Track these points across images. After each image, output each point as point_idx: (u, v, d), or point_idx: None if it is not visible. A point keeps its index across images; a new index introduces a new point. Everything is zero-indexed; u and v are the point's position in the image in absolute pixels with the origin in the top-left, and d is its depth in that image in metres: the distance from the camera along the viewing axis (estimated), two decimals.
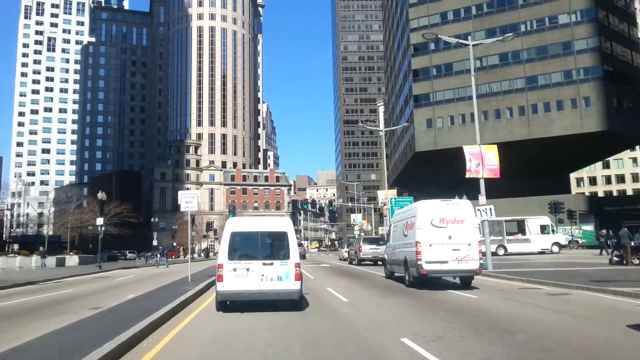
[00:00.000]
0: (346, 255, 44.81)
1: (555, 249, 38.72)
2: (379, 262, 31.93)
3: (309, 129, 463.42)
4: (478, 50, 69.66)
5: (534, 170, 66.83)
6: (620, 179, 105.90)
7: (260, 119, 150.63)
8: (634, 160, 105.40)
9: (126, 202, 71.89)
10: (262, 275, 11.32)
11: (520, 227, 39.83)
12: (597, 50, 61.39)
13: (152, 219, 67.08)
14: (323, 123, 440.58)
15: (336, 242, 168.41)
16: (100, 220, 34.72)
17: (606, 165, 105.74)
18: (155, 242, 63.75)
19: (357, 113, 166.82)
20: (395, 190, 38.14)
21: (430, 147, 68.55)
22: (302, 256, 45.05)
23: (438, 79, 69.19)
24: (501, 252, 38.27)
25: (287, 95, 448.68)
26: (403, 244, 17.81)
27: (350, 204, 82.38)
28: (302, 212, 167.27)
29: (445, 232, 15.70)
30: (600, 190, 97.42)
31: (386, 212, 41.76)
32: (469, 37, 29.55)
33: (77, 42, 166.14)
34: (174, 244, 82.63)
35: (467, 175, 22.76)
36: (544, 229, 39.10)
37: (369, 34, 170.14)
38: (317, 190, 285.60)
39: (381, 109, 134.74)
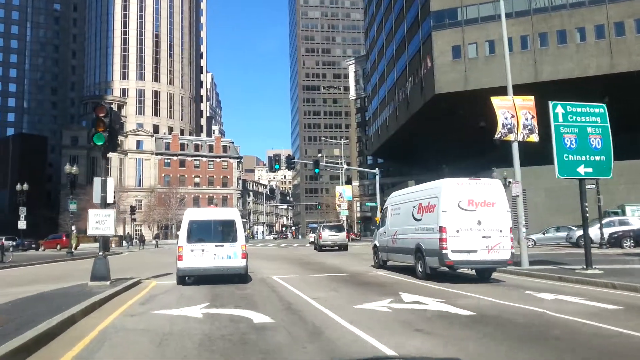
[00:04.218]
0: (311, 239, 48.28)
1: None
2: (336, 247, 35.20)
3: (258, 104, 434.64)
4: None
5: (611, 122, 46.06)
6: None
7: (203, 78, 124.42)
8: None
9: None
10: (215, 254, 13.59)
11: None
12: None
13: (19, 186, 41.42)
14: (275, 98, 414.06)
15: (293, 228, 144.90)
16: None
17: None
18: (22, 225, 38.65)
19: (318, 78, 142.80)
20: (532, 98, 15.03)
21: (457, 86, 46.47)
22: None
23: None
24: None
25: (234, 65, 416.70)
26: (414, 229, 15.47)
27: (346, 168, 58.81)
28: (251, 193, 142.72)
29: (475, 216, 13.56)
30: None
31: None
32: None
33: None
34: (73, 229, 57.54)
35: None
36: None
37: None
38: (267, 171, 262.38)
39: (352, 69, 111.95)
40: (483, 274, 14.71)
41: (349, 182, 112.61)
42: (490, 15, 46.35)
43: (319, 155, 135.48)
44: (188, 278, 13.96)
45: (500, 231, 13.56)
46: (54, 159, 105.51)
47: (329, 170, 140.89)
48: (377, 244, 19.42)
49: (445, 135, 56.26)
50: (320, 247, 35.71)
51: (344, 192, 52.00)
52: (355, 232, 78.57)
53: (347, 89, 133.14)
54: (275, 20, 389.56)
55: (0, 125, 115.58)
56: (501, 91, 44.84)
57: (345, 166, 45.18)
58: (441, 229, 13.45)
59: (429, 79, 48.82)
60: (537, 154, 48.02)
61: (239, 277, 13.97)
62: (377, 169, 40.42)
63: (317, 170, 36.30)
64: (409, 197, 16.82)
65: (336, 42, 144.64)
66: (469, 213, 13.51)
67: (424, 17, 50.25)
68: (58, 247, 50.79)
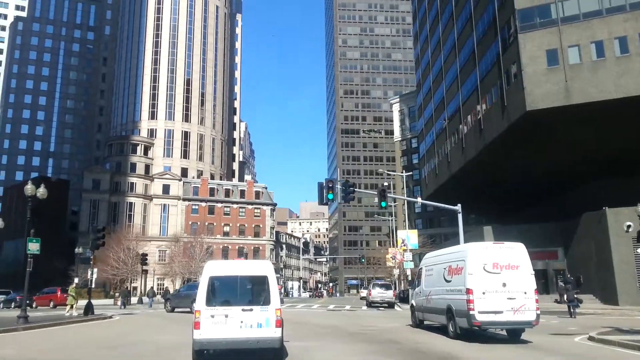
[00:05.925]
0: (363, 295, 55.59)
1: None
2: (385, 305, 38.54)
3: (292, 155, 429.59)
4: None
5: None
6: None
7: (236, 120, 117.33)
8: None
9: None
10: (242, 321, 10.58)
11: None
12: None
13: None
14: (309, 149, 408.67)
15: (330, 285, 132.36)
16: None
17: None
18: None
19: (357, 121, 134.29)
20: None
21: (556, 100, 36.09)
22: None
23: None
24: None
25: (267, 116, 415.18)
26: (445, 290, 16.43)
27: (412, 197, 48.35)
28: (284, 246, 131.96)
29: (499, 278, 14.50)
30: None
31: None
32: None
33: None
34: (75, 281, 48.36)
35: None
36: None
37: (372, 26, 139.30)
38: (300, 224, 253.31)
39: (396, 107, 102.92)
40: (513, 334, 15.35)
41: (392, 232, 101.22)
42: (596, 10, 36.59)
43: (359, 203, 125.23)
44: (207, 351, 10.80)
45: (525, 293, 14.44)
46: (76, 205, 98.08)
47: (370, 220, 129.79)
48: (414, 304, 20.01)
49: (529, 168, 45.53)
50: (370, 304, 39.92)
51: (408, 239, 41.11)
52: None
53: (388, 132, 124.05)
54: (312, 72, 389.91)
55: (25, 169, 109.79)
56: (617, 104, 34.29)
57: (419, 200, 34.52)
58: (468, 291, 14.43)
59: (514, 95, 38.60)
60: None
61: (272, 353, 10.72)
62: (458, 204, 29.81)
63: (383, 204, 26.15)
64: (440, 259, 17.79)
65: (376, 83, 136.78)
66: (494, 275, 14.47)
67: (505, 20, 40.62)
68: (51, 304, 41.29)
